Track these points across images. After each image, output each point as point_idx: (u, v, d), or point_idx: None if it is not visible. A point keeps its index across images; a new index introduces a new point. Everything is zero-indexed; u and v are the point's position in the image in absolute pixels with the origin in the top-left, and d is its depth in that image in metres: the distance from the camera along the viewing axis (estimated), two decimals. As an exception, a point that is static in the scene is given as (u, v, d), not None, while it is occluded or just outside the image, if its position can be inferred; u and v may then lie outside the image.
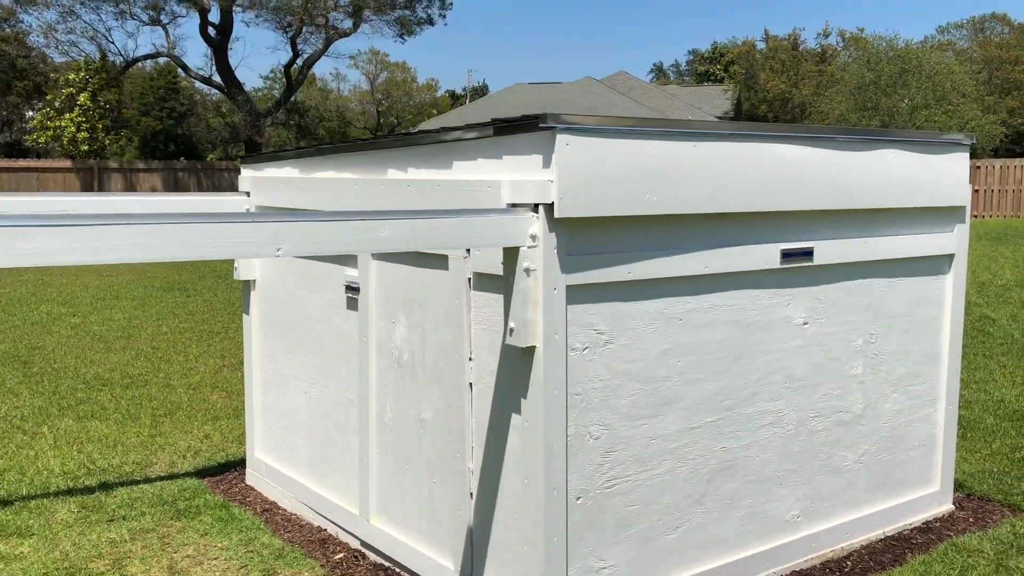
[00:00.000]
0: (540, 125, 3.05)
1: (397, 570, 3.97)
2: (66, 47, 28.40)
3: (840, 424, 4.12)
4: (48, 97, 26.80)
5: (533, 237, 3.10)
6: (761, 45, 57.45)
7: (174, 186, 23.81)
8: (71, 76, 26.60)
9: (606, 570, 3.39)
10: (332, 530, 4.41)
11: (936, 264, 4.46)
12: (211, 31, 27.42)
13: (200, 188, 23.64)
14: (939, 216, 4.41)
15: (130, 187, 22.94)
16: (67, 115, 25.60)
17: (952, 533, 4.33)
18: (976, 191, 29.44)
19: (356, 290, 4.11)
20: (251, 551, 4.19)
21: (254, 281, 4.99)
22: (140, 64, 31.84)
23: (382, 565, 4.04)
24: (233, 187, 21.65)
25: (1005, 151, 50.08)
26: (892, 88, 35.91)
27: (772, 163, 3.67)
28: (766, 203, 3.66)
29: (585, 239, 3.20)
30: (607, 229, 3.26)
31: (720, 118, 47.69)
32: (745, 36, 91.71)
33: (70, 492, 4.95)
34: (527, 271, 3.11)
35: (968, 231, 4.54)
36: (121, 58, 28.82)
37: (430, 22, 28.31)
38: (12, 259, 2.21)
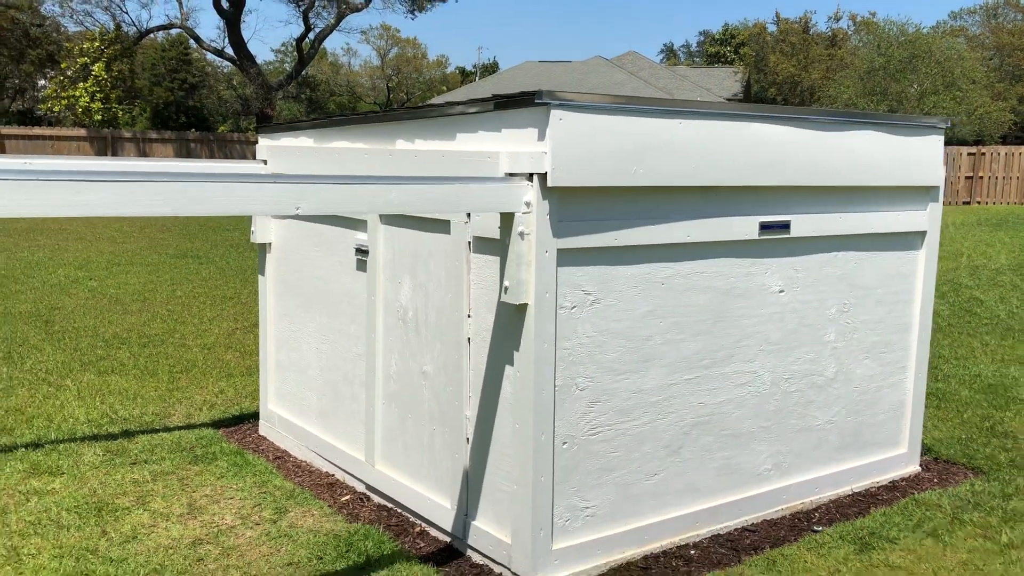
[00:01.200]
0: (536, 101, 3.34)
1: (399, 510, 4.31)
2: (80, 17, 28.59)
3: (813, 386, 4.44)
4: (62, 66, 27.03)
5: (527, 204, 3.40)
6: (772, 28, 57.29)
7: (186, 156, 24.11)
8: (85, 45, 26.83)
9: (588, 510, 3.72)
10: (339, 475, 4.75)
11: (909, 240, 4.75)
12: (224, 3, 27.62)
13: (212, 158, 23.90)
14: (913, 195, 4.70)
15: (143, 156, 23.25)
16: (80, 84, 25.84)
17: (915, 491, 4.65)
18: (981, 178, 29.58)
19: (365, 253, 4.42)
20: (264, 492, 4.53)
21: (269, 244, 5.30)
22: (153, 35, 32.00)
23: (385, 506, 4.38)
24: (244, 157, 21.92)
25: (1015, 138, 50.07)
26: (901, 73, 35.93)
27: (753, 141, 3.96)
28: (746, 178, 3.95)
29: (575, 207, 3.50)
30: (596, 198, 3.56)
31: (729, 99, 47.71)
32: (756, 18, 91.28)
33: (95, 438, 5.30)
34: (521, 235, 3.42)
35: (940, 211, 4.82)
36: (134, 28, 29.03)
37: (442, -1, 28.49)
38: (81, 209, 2.52)
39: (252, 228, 5.31)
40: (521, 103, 3.43)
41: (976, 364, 7.38)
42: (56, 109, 25.72)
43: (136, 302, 9.73)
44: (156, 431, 5.45)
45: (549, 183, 3.37)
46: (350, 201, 3.05)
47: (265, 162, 5.20)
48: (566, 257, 3.51)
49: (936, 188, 4.78)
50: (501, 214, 3.47)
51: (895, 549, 3.93)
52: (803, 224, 4.22)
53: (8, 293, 10.00)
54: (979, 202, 29.47)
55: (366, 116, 4.50)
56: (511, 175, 3.45)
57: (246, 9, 28.50)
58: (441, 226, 3.91)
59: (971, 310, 9.88)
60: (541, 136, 3.38)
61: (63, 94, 25.77)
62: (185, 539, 3.97)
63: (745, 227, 4.02)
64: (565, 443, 3.62)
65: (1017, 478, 4.80)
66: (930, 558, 3.85)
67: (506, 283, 3.47)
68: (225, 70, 51.48)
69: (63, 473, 4.73)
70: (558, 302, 3.52)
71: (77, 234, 16.48)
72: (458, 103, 3.80)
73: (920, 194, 4.73)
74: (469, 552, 3.87)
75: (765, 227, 4.08)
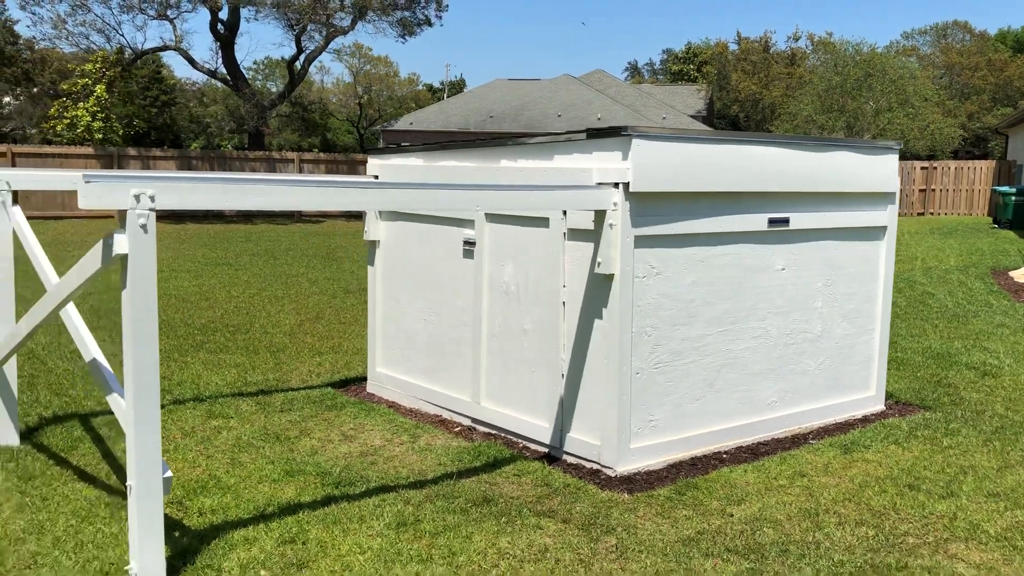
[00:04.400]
0: (622, 133, 4.85)
1: (503, 434, 5.77)
2: (76, 39, 29.66)
3: (806, 340, 5.97)
4: (64, 87, 28.09)
5: (615, 204, 4.90)
6: (734, 47, 59.53)
7: (188, 170, 25.39)
8: (87, 67, 27.94)
9: (653, 421, 5.21)
10: (446, 415, 6.19)
11: (874, 232, 6.32)
12: (220, 27, 28.90)
13: (212, 171, 25.19)
14: (876, 199, 6.27)
15: (147, 170, 24.48)
16: (82, 105, 26.94)
17: (882, 419, 6.21)
18: (933, 190, 31.64)
19: (472, 244, 5.89)
20: (394, 425, 5.97)
21: (378, 241, 6.73)
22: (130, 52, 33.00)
23: (490, 433, 5.83)
24: (242, 171, 23.12)
25: (965, 153, 52.66)
26: (857, 91, 37.93)
27: (762, 159, 5.49)
28: (758, 185, 5.49)
29: (646, 206, 5.00)
30: (659, 200, 5.06)
31: (693, 117, 49.66)
32: (718, 37, 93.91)
33: (239, 395, 6.68)
34: (610, 226, 4.91)
35: (897, 211, 6.40)
36: (130, 50, 30.17)
37: (428, 23, 30.01)
38: (279, 204, 3.95)
39: (365, 228, 6.74)
40: (609, 134, 4.93)
41: (927, 340, 9.00)
42: (59, 128, 26.74)
43: (202, 301, 11.07)
44: (284, 390, 6.85)
45: (631, 189, 4.87)
46: (510, 202, 4.53)
47: (376, 177, 6.64)
48: (640, 241, 5.01)
49: (893, 194, 6.36)
50: (595, 211, 4.96)
51: (868, 451, 5.47)
52: (799, 220, 5.76)
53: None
54: (932, 213, 31.52)
55: (471, 142, 5.96)
56: (600, 184, 4.95)
57: (239, 32, 29.75)
58: (540, 222, 5.40)
59: (924, 302, 11.55)
60: (624, 157, 4.89)
61: (66, 114, 26.83)
62: (353, 453, 5.40)
63: (758, 221, 5.55)
64: (638, 373, 5.11)
65: (956, 411, 6.38)
66: (893, 455, 5.40)
67: (599, 259, 4.97)
68: (197, 87, 52.56)
69: (231, 417, 6.12)
70: (634, 273, 5.01)
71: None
72: (555, 134, 5.29)
73: (882, 198, 6.31)
74: (564, 456, 5.34)
75: (772, 222, 5.62)
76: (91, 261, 3.68)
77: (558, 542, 4.13)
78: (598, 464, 5.13)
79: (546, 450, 5.47)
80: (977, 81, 54.45)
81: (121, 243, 3.39)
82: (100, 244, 3.56)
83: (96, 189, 3.31)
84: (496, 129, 43.31)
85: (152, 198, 3.41)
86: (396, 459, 5.29)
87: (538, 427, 5.50)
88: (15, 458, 5.15)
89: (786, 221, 5.71)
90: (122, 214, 3.40)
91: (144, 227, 3.40)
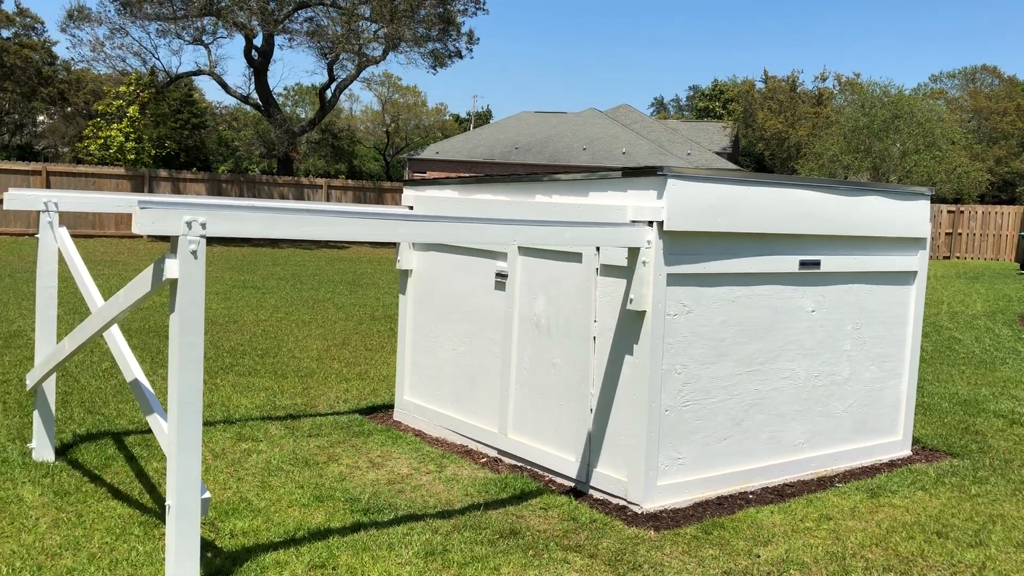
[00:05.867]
0: (657, 172, 4.92)
1: (528, 467, 5.80)
2: (113, 61, 30.23)
3: (833, 383, 5.99)
4: (98, 108, 28.59)
5: (648, 242, 4.96)
6: (760, 85, 59.71)
7: (218, 195, 25.65)
8: (122, 89, 28.44)
9: (680, 459, 5.24)
10: (472, 445, 6.24)
11: (904, 277, 6.34)
12: (254, 54, 29.37)
13: (243, 197, 25.45)
14: (907, 244, 6.30)
15: (177, 194, 24.78)
16: (115, 125, 27.39)
17: (909, 464, 6.19)
18: (960, 234, 31.51)
19: (504, 276, 5.96)
20: (420, 454, 6.01)
21: (411, 270, 6.82)
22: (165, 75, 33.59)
23: (516, 465, 5.87)
24: (271, 197, 23.51)
25: (992, 198, 52.39)
26: (884, 132, 37.92)
27: (795, 202, 5.55)
28: (790, 228, 5.53)
29: (679, 244, 5.06)
30: (693, 239, 5.12)
31: (718, 154, 49.86)
32: (745, 75, 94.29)
33: (268, 418, 6.76)
34: (643, 263, 4.97)
35: (927, 256, 6.42)
36: (164, 74, 30.69)
37: (459, 55, 30.37)
38: (326, 234, 4.03)
39: (398, 257, 6.83)
40: (645, 173, 5.01)
41: (954, 386, 8.96)
42: (93, 148, 27.19)
43: (231, 324, 11.20)
44: (311, 415, 6.92)
45: (665, 228, 4.93)
46: (545, 237, 4.60)
47: (411, 208, 6.74)
48: (672, 279, 5.06)
49: (924, 239, 6.38)
50: (629, 248, 5.03)
51: (895, 496, 5.46)
52: (829, 262, 5.80)
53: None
54: (958, 257, 31.37)
55: (507, 176, 6.05)
56: (635, 222, 5.01)
57: (273, 59, 30.22)
58: (573, 256, 5.47)
59: (951, 347, 11.50)
60: (659, 196, 4.96)
61: (100, 134, 27.28)
62: (380, 480, 5.45)
63: (789, 263, 5.60)
64: (667, 410, 5.14)
65: (984, 459, 6.35)
66: (920, 501, 5.38)
67: (631, 296, 5.02)
68: (223, 111, 53.30)
69: (261, 440, 6.19)
70: (666, 310, 5.06)
71: (136, 267, 17.92)
72: (591, 169, 5.37)
73: (912, 243, 6.33)
74: (591, 491, 5.36)
75: (803, 264, 5.66)
76: (140, 284, 3.77)
77: (585, 577, 4.15)
78: (624, 500, 5.15)
79: (572, 484, 5.50)
80: (1005, 126, 54.26)
81: (172, 268, 3.49)
82: (151, 268, 3.66)
83: (150, 215, 3.42)
84: (521, 160, 43.61)
85: (203, 225, 3.51)
86: (423, 488, 5.34)
87: (565, 461, 5.54)
88: (51, 474, 5.24)
89: (817, 263, 5.74)
90: (174, 240, 3.50)
91: (194, 253, 3.50)
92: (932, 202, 33.64)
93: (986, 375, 9.61)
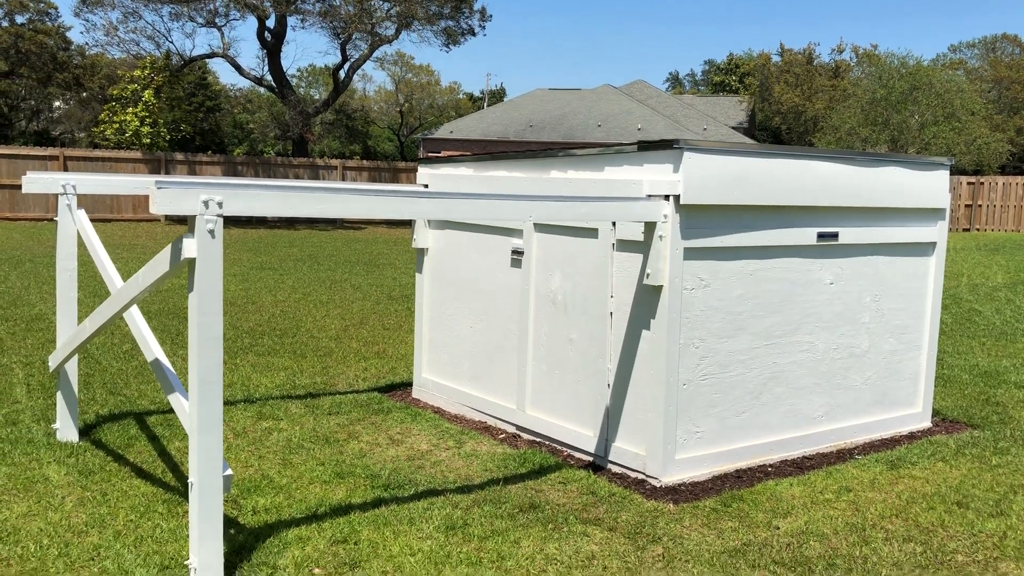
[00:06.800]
0: (673, 146, 4.89)
1: (547, 442, 5.82)
2: (127, 45, 30.27)
3: (852, 356, 5.96)
4: (113, 92, 28.68)
5: (665, 216, 4.94)
6: (776, 58, 59.12)
7: (234, 177, 25.79)
8: (136, 73, 28.50)
9: (698, 433, 5.24)
10: (491, 422, 6.26)
11: (924, 248, 6.29)
12: (267, 35, 29.34)
13: (259, 178, 25.60)
14: (926, 215, 6.25)
15: (193, 175, 24.91)
16: (130, 109, 27.47)
17: (928, 436, 6.17)
18: (980, 206, 31.21)
19: (520, 253, 5.96)
20: (440, 431, 6.05)
21: (427, 249, 6.83)
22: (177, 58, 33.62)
23: (535, 440, 5.89)
24: (287, 178, 23.53)
25: (1012, 168, 51.82)
26: (902, 104, 37.49)
27: (812, 174, 5.50)
28: (808, 200, 5.50)
29: (695, 218, 5.04)
30: (709, 213, 5.10)
31: (734, 128, 49.49)
32: (761, 49, 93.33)
33: (288, 398, 6.81)
34: (660, 237, 4.95)
35: (947, 227, 6.37)
36: (178, 57, 30.73)
37: (472, 32, 30.22)
38: (344, 211, 4.04)
39: (414, 235, 6.84)
40: (661, 146, 4.98)
41: (975, 358, 8.91)
42: (108, 133, 27.30)
43: (249, 304, 11.26)
44: (331, 394, 6.96)
45: (681, 202, 4.91)
46: (561, 212, 4.59)
47: (426, 186, 6.73)
48: (689, 253, 5.04)
49: (944, 210, 6.33)
50: (645, 223, 5.01)
51: (915, 467, 5.44)
52: (848, 234, 5.76)
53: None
54: (978, 229, 31.08)
55: (522, 153, 6.04)
56: (651, 196, 4.99)
57: (286, 40, 30.19)
58: (589, 232, 5.45)
59: (971, 319, 11.42)
60: (675, 170, 4.93)
61: (115, 119, 27.38)
62: (400, 456, 5.48)
63: (807, 235, 5.56)
64: (684, 384, 5.14)
65: (1005, 430, 6.32)
66: (941, 472, 5.37)
67: (648, 271, 5.01)
68: (237, 94, 53.37)
69: (281, 419, 6.24)
70: (683, 285, 5.05)
71: (154, 251, 18.03)
72: (605, 145, 5.35)
73: (932, 214, 6.28)
74: (609, 465, 5.38)
75: (821, 236, 5.63)
76: (159, 264, 3.80)
77: (605, 550, 4.17)
78: (643, 474, 5.16)
79: (590, 459, 5.51)
80: (1026, 95, 53.52)
81: (190, 247, 3.51)
82: (169, 248, 3.69)
83: (168, 195, 3.43)
84: (536, 139, 43.43)
85: (220, 204, 3.52)
86: (443, 464, 5.37)
87: (583, 436, 5.55)
88: (75, 454, 5.31)
89: (835, 235, 5.71)
90: (191, 220, 3.52)
91: (212, 232, 3.52)
92: (951, 174, 33.36)
93: (1006, 347, 9.54)
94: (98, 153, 25.10)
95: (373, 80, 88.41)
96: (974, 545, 4.35)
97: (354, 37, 29.67)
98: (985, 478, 5.29)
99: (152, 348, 4.49)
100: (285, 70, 31.11)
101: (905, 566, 4.09)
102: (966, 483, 5.19)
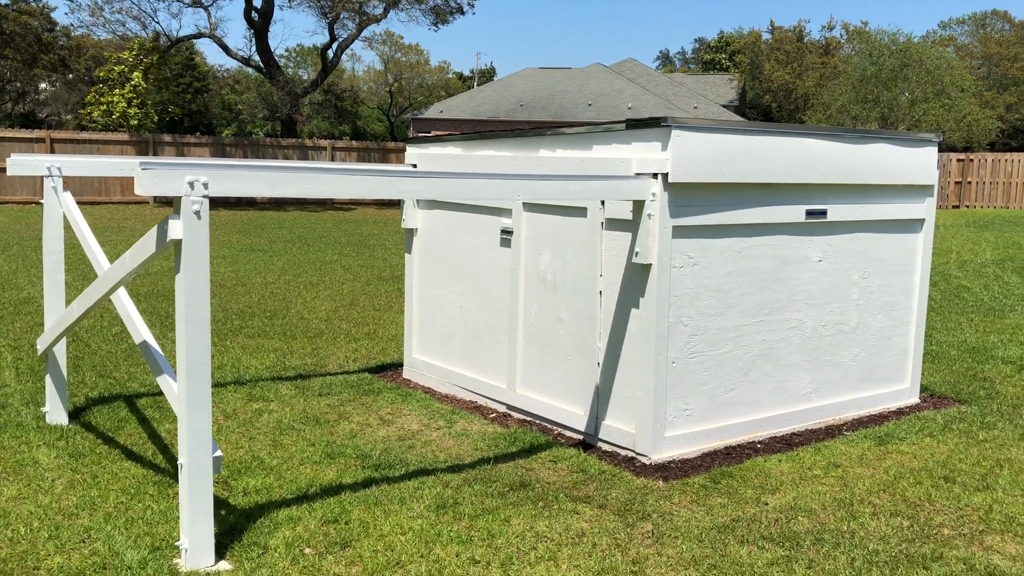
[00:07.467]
0: (662, 124, 4.88)
1: (537, 421, 5.84)
2: (113, 26, 30.00)
3: (841, 332, 5.98)
4: (100, 74, 28.45)
5: (653, 194, 4.94)
6: (767, 36, 58.94)
7: (223, 158, 25.67)
8: (124, 54, 28.27)
9: (688, 411, 5.26)
10: (481, 401, 6.27)
11: (912, 225, 6.31)
12: (254, 15, 29.11)
13: (247, 159, 25.48)
14: (914, 191, 6.26)
15: (182, 156, 24.76)
16: (118, 91, 27.27)
17: (916, 412, 6.20)
18: (969, 183, 31.28)
19: (510, 233, 5.95)
20: (430, 410, 6.06)
21: (416, 229, 6.81)
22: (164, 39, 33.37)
23: (525, 420, 5.91)
24: (275, 159, 23.38)
25: (1002, 145, 51.89)
26: (892, 81, 37.46)
27: (801, 151, 5.50)
28: (796, 177, 5.50)
29: (684, 196, 5.04)
30: (697, 191, 5.10)
31: (725, 106, 49.36)
32: (751, 26, 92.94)
33: (278, 379, 6.81)
34: (648, 216, 4.95)
35: (935, 204, 6.38)
36: (165, 37, 30.48)
37: (460, 11, 30.04)
38: (330, 191, 4.03)
39: (403, 216, 6.82)
40: (649, 124, 4.97)
41: (963, 334, 8.95)
42: (96, 115, 27.10)
43: (238, 287, 11.23)
44: (321, 375, 6.96)
45: (670, 180, 4.91)
46: (549, 191, 4.58)
47: (414, 166, 6.71)
48: (677, 232, 5.04)
49: (932, 186, 6.34)
50: (634, 202, 5.00)
51: (903, 443, 5.48)
52: (836, 211, 5.77)
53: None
54: (968, 206, 31.16)
55: (510, 132, 6.01)
56: (639, 174, 4.98)
57: (273, 20, 29.95)
58: (578, 211, 5.45)
59: (959, 295, 11.47)
60: (664, 148, 4.92)
61: (102, 100, 27.18)
62: (391, 437, 5.49)
63: (795, 213, 5.57)
64: (674, 362, 5.16)
65: (992, 405, 6.37)
66: (928, 448, 5.41)
67: (637, 249, 5.01)
68: (225, 75, 53.01)
69: (272, 400, 6.24)
70: (671, 263, 5.05)
71: (142, 233, 17.93)
72: (594, 124, 5.33)
73: (920, 191, 6.29)
74: (599, 444, 5.40)
75: (810, 213, 5.63)
76: (145, 245, 3.78)
77: (595, 527, 4.20)
78: (633, 452, 5.19)
79: (581, 437, 5.53)
80: (1016, 72, 53.56)
81: (175, 229, 3.49)
82: (155, 229, 3.67)
83: (152, 176, 3.41)
84: (526, 118, 43.30)
85: (206, 185, 3.51)
86: (433, 443, 5.38)
87: (573, 414, 5.57)
88: (65, 437, 5.30)
89: (823, 213, 5.71)
90: (177, 201, 3.50)
91: (198, 213, 3.50)
92: (941, 151, 33.42)
93: (994, 322, 9.59)
94: (85, 135, 24.94)
95: (362, 60, 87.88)
96: (960, 519, 4.38)
97: (342, 16, 29.47)
98: (972, 453, 5.33)
99: (140, 330, 4.47)
100: (273, 50, 30.90)
101: (892, 540, 4.13)
102: (953, 458, 5.23)
